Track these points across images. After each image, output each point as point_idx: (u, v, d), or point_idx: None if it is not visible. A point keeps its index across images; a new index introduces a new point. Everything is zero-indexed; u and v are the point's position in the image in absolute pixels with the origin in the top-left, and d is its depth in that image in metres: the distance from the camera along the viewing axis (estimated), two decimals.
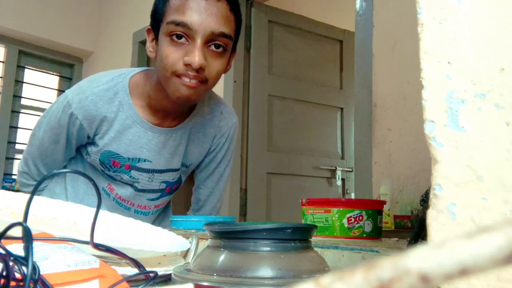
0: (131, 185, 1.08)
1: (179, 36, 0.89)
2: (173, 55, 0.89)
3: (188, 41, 0.89)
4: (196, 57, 0.86)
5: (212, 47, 0.90)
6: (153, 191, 1.11)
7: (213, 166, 1.18)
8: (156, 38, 0.96)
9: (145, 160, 1.05)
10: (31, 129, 1.10)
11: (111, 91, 1.01)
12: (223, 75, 1.08)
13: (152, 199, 1.13)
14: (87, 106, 1.00)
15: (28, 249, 0.32)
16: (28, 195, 0.40)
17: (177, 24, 0.88)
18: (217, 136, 1.15)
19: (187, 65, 0.88)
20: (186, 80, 0.89)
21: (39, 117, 1.10)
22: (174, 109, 1.03)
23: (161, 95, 0.99)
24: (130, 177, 1.06)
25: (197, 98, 0.95)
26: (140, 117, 1.02)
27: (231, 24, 0.92)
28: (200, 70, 0.88)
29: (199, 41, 0.87)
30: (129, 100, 1.01)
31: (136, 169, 1.06)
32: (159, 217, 1.21)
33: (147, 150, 1.04)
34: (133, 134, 1.02)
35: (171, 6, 0.90)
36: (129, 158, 1.04)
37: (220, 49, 0.91)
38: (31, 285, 0.30)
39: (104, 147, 1.03)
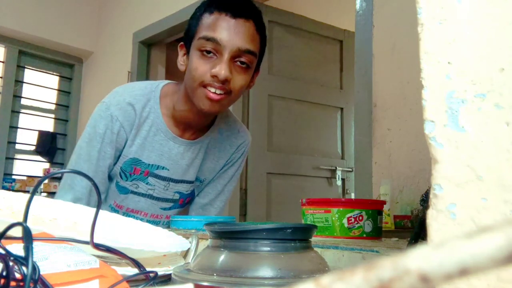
0: (145, 195, 1.13)
1: (209, 52, 0.97)
2: (202, 67, 0.97)
3: (216, 55, 0.97)
4: (223, 70, 0.95)
5: (238, 63, 0.98)
6: (167, 200, 1.17)
7: (222, 183, 1.23)
8: (187, 53, 1.04)
9: (163, 168, 1.12)
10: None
11: (145, 97, 1.09)
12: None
13: (165, 209, 1.18)
14: (126, 107, 1.06)
15: (28, 249, 0.32)
16: (28, 195, 0.40)
17: (208, 39, 0.96)
18: (233, 152, 1.22)
19: (214, 76, 0.96)
20: (212, 90, 0.97)
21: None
22: (195, 122, 1.10)
23: (185, 107, 1.07)
24: (147, 183, 1.12)
25: (219, 109, 1.03)
26: (165, 126, 1.09)
27: (256, 43, 1.01)
28: (225, 81, 0.96)
29: (226, 56, 0.96)
30: (158, 109, 1.09)
31: (154, 176, 1.12)
32: None
33: (167, 158, 1.11)
34: (156, 141, 1.09)
35: (203, 23, 0.99)
36: (149, 165, 1.10)
37: (245, 65, 0.99)
38: (31, 285, 0.30)
39: (130, 154, 1.09)
